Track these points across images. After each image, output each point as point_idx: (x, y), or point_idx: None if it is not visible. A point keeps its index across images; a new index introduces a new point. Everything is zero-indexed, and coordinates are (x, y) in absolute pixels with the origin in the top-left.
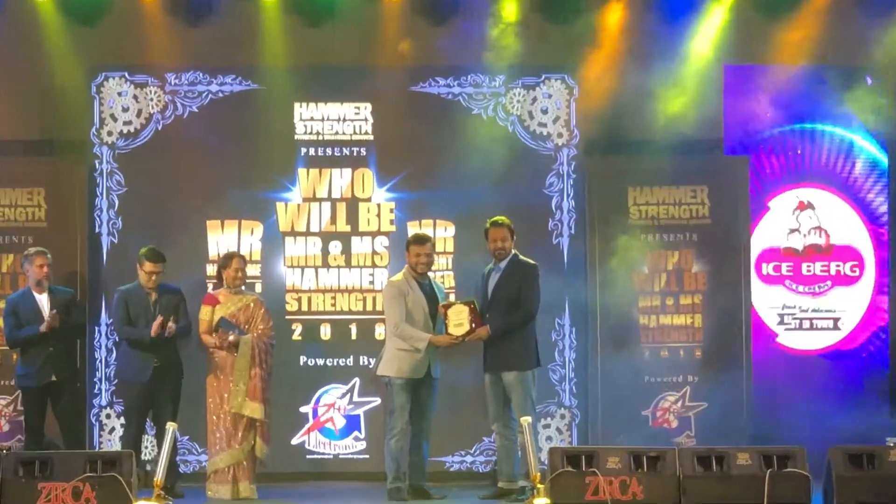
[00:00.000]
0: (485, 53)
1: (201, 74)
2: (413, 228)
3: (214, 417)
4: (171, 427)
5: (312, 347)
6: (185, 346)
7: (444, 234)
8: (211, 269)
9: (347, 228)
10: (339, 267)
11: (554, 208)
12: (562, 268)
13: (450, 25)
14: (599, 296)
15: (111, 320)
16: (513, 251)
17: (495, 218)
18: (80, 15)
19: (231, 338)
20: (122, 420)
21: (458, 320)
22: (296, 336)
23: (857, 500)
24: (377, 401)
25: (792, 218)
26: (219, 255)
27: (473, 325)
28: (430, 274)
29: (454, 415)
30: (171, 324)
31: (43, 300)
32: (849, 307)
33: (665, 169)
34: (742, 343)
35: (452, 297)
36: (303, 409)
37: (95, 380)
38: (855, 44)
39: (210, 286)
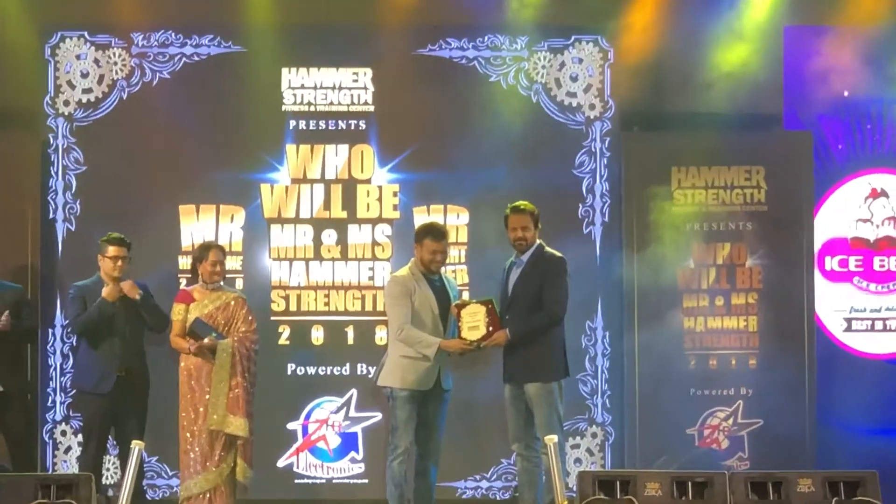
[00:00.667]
0: (505, 11)
1: (173, 34)
2: (420, 216)
3: (188, 435)
4: (136, 446)
5: (302, 354)
6: (154, 350)
7: (456, 221)
8: (184, 262)
9: (343, 215)
10: (333, 260)
11: (585, 192)
12: (593, 262)
13: None
14: (637, 295)
15: (66, 320)
16: (537, 242)
17: (516, 203)
18: None
19: (207, 341)
20: (80, 438)
21: (474, 322)
22: (283, 340)
23: None
24: (378, 416)
25: (864, 207)
26: (193, 245)
27: (490, 329)
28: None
29: (468, 433)
30: (129, 283)
31: None
32: None
33: (715, 146)
34: (805, 350)
35: (466, 296)
36: (291, 426)
37: (49, 391)
38: None
39: (183, 282)
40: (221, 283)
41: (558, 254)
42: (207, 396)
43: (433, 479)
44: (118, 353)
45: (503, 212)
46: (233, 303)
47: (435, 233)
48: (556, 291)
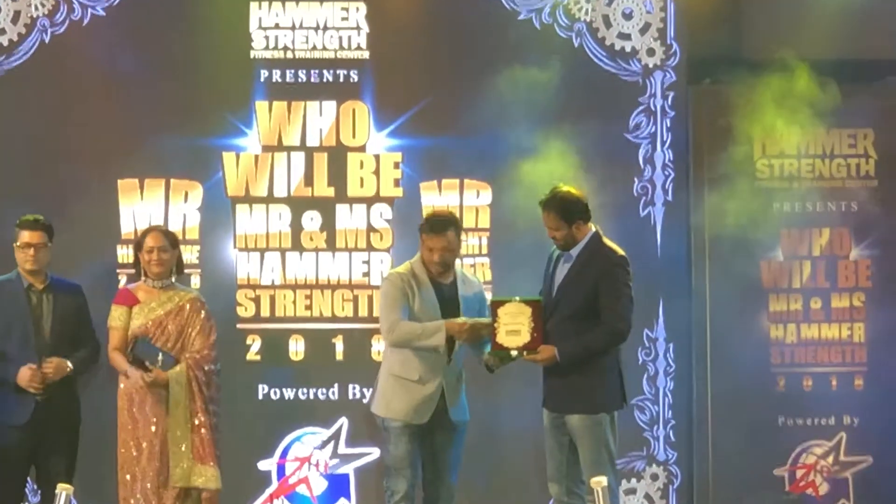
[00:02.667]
0: None
1: None
2: (430, 193)
3: (128, 476)
4: (63, 491)
5: (277, 373)
6: (84, 370)
7: (475, 201)
8: (125, 254)
9: (330, 193)
10: (317, 250)
11: (642, 162)
12: (653, 253)
13: None
14: (710, 296)
15: None
16: (592, 230)
17: (545, 196)
18: None
19: (148, 379)
20: None
21: (514, 326)
22: (252, 355)
23: None
24: (375, 452)
25: None
26: (137, 231)
27: (535, 334)
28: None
29: (493, 472)
30: (56, 361)
31: None
32: None
33: (810, 103)
34: None
35: (489, 296)
36: (263, 466)
37: None
38: None
39: (124, 279)
40: (173, 279)
41: (619, 250)
42: (153, 428)
43: None
44: (38, 373)
45: (537, 188)
46: (188, 306)
47: (432, 224)
48: (619, 302)
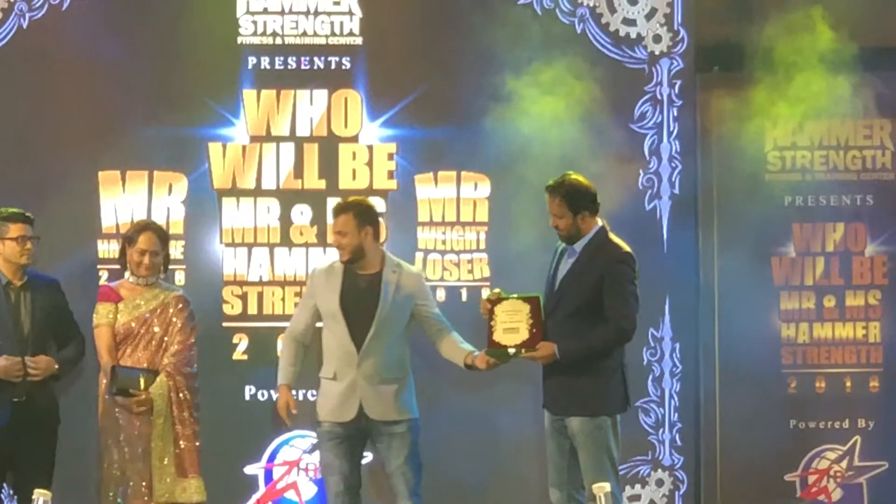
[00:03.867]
0: None
1: None
2: (425, 186)
3: (110, 482)
4: (40, 497)
5: (265, 372)
6: (70, 370)
7: (473, 193)
8: (106, 249)
9: (321, 185)
10: (307, 245)
11: (648, 154)
12: (659, 248)
13: None
14: (718, 293)
15: None
16: (598, 225)
17: (552, 180)
18: None
19: (138, 409)
20: None
21: (512, 323)
22: (239, 354)
23: None
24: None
25: None
26: (118, 226)
27: (534, 331)
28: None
29: (489, 476)
30: (43, 360)
31: None
32: None
33: (824, 92)
34: None
35: (486, 293)
36: (249, 470)
37: None
38: None
39: (104, 275)
40: (161, 277)
41: (625, 246)
42: (139, 443)
43: None
44: (18, 363)
45: (537, 181)
46: (171, 304)
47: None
48: (624, 300)
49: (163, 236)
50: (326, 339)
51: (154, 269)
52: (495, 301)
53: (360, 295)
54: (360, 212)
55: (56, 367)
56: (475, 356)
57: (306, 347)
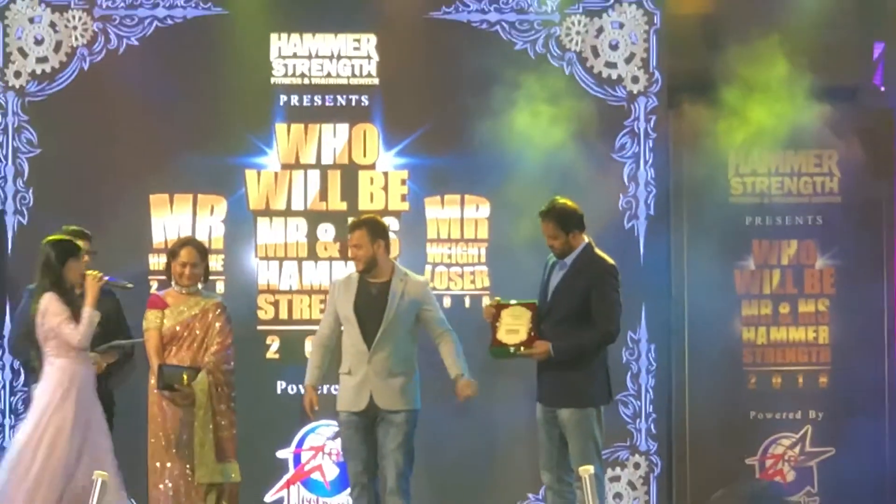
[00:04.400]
0: None
1: None
2: (433, 208)
3: (157, 464)
4: (98, 478)
5: (294, 370)
6: (123, 364)
7: (475, 214)
8: (156, 262)
9: (343, 206)
10: (330, 259)
11: (626, 180)
12: (637, 262)
13: None
14: (688, 301)
15: (10, 333)
16: (584, 242)
17: (545, 206)
18: None
19: (183, 402)
20: None
21: (515, 326)
22: (271, 353)
23: None
24: None
25: None
26: (167, 242)
27: (532, 334)
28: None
29: (488, 462)
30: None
31: None
32: None
33: (779, 126)
34: (885, 366)
35: (486, 300)
36: (281, 455)
37: None
38: None
39: (154, 285)
40: (200, 286)
41: (609, 259)
42: (183, 430)
43: None
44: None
45: (531, 203)
46: (211, 311)
47: (349, 225)
48: (609, 306)
49: (202, 250)
50: (343, 340)
51: (195, 279)
52: (501, 307)
53: (372, 301)
54: (372, 227)
55: (114, 358)
56: (457, 384)
57: (332, 350)
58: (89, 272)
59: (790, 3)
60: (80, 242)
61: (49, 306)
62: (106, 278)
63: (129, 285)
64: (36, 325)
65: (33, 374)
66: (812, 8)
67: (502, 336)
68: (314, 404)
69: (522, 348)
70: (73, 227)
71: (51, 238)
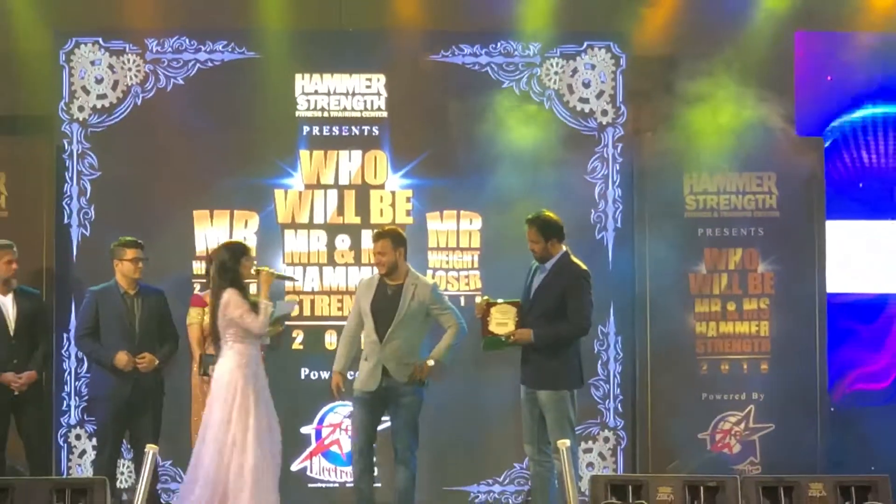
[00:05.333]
0: (517, 17)
1: (187, 40)
2: (434, 221)
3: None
4: (150, 450)
5: (316, 358)
6: (167, 361)
7: (469, 227)
8: (198, 267)
9: (357, 220)
10: (346, 265)
11: (597, 198)
12: (606, 267)
13: None
14: (650, 300)
15: (76, 327)
16: (563, 250)
17: (531, 215)
18: None
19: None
20: (95, 442)
21: (503, 320)
22: (296, 345)
23: None
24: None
25: None
26: (207, 250)
27: (518, 326)
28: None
29: (480, 437)
30: (148, 357)
31: (7, 303)
32: None
33: (727, 152)
34: (816, 355)
35: (478, 299)
36: (304, 430)
37: (63, 395)
38: None
39: (197, 287)
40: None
41: (583, 265)
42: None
43: (401, 484)
44: (132, 360)
45: (517, 217)
46: None
47: (373, 235)
48: (583, 305)
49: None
50: (364, 331)
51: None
52: (490, 305)
53: (387, 300)
54: (394, 237)
55: (156, 363)
56: (427, 360)
57: (357, 341)
58: (262, 268)
59: (735, 51)
60: (133, 250)
61: (231, 300)
62: (276, 273)
63: (295, 278)
64: (216, 317)
65: (96, 363)
66: (754, 55)
67: (494, 328)
68: (340, 387)
69: (511, 337)
70: (128, 237)
71: (223, 243)
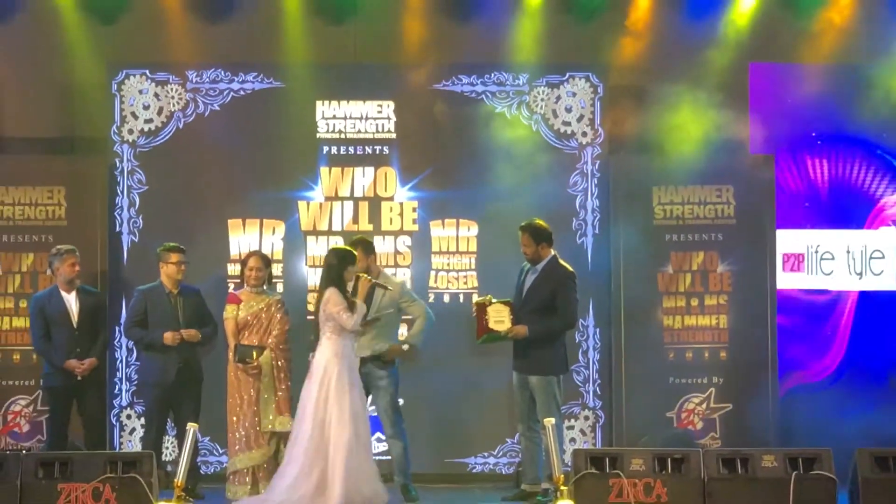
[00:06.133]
0: (509, 51)
1: (223, 72)
2: (436, 229)
3: (234, 417)
4: (191, 428)
5: None
6: (207, 342)
7: (467, 233)
8: (232, 269)
9: (370, 228)
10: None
11: (578, 207)
12: (586, 268)
13: (473, 23)
14: (624, 296)
15: (125, 321)
16: (552, 254)
17: (525, 222)
18: (101, 12)
19: (252, 371)
20: (143, 421)
21: (499, 317)
22: None
23: None
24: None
25: None
26: (241, 254)
27: (513, 322)
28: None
29: (477, 415)
30: (193, 332)
31: (71, 300)
32: None
33: (690, 168)
34: (768, 344)
35: (475, 297)
36: None
37: (116, 380)
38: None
39: (231, 286)
40: (265, 286)
41: (570, 268)
42: (252, 392)
43: (396, 455)
44: (177, 348)
45: (508, 225)
46: (273, 305)
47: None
48: (570, 303)
49: (266, 260)
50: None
51: (260, 281)
52: (486, 304)
53: (369, 297)
54: (364, 247)
55: (199, 337)
56: (402, 345)
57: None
58: (362, 275)
59: (697, 80)
60: (177, 255)
61: (331, 297)
62: (373, 280)
63: (390, 288)
64: (318, 310)
65: (147, 350)
66: (714, 83)
67: (493, 325)
68: None
69: (508, 333)
70: (171, 243)
71: (335, 247)
